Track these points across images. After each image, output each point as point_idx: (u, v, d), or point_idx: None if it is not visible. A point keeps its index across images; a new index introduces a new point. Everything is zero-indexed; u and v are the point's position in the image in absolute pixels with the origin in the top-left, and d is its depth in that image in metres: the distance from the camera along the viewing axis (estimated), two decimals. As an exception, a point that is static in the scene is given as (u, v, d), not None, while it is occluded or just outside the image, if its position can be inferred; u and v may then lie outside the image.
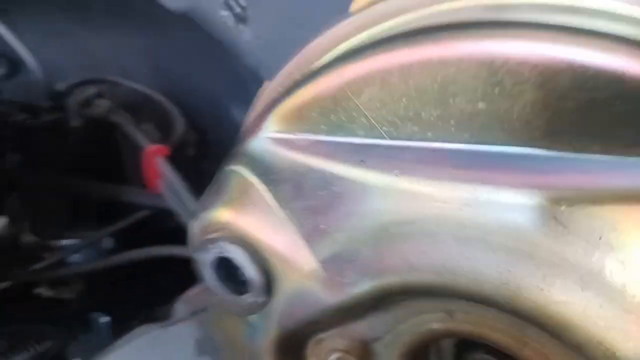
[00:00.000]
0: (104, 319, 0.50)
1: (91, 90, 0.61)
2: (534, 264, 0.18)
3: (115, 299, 0.53)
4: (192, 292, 0.50)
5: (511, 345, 0.22)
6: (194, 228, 0.27)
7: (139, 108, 0.61)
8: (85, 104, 0.61)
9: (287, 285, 0.25)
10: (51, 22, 0.63)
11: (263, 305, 0.26)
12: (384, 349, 0.25)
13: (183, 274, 0.49)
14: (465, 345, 0.27)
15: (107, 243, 0.55)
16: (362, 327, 0.25)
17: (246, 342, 0.28)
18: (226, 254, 0.26)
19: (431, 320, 0.23)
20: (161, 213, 0.56)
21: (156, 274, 0.54)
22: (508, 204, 0.19)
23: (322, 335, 0.27)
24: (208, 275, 0.27)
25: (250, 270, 0.25)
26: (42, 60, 0.64)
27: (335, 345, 0.27)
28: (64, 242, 0.55)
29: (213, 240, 0.26)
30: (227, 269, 0.27)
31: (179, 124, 0.57)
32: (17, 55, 0.63)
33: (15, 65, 0.63)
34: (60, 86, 0.62)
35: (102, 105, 0.60)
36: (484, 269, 0.19)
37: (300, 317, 0.25)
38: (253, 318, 0.27)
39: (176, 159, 0.54)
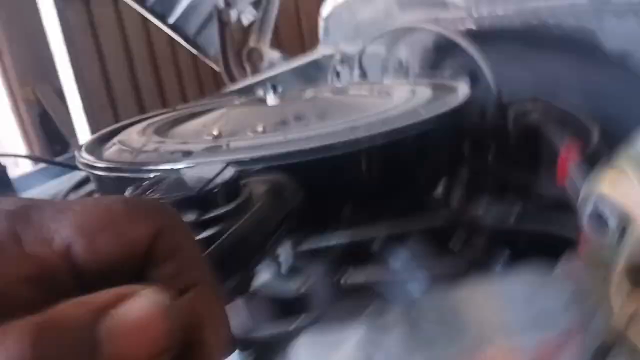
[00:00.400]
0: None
1: (526, 105, 0.81)
2: None
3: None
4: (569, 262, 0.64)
5: None
6: (583, 192, 0.43)
7: (563, 124, 0.77)
8: (522, 115, 0.81)
9: (635, 233, 0.39)
10: (512, 50, 0.86)
11: (615, 244, 0.40)
12: None
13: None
14: None
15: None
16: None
17: (604, 277, 0.43)
18: (600, 208, 0.41)
19: None
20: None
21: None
22: None
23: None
24: (586, 221, 0.43)
25: (613, 220, 0.40)
26: (496, 77, 0.87)
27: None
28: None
29: (596, 199, 0.42)
30: (596, 218, 0.42)
31: (596, 141, 0.71)
32: (479, 71, 0.88)
33: (475, 78, 0.88)
34: (507, 100, 0.84)
35: (534, 117, 0.79)
36: None
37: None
38: (606, 257, 0.41)
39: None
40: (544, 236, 0.67)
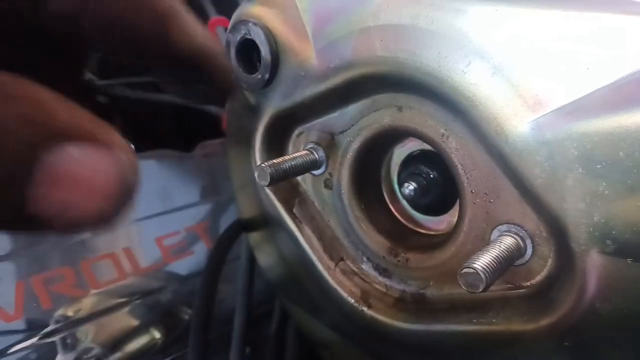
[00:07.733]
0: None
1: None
2: (463, 52, 0.24)
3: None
4: (210, 142, 0.57)
5: (437, 139, 0.28)
6: (234, 16, 0.34)
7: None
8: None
9: (287, 69, 0.31)
10: None
11: (266, 83, 0.32)
12: (346, 141, 0.32)
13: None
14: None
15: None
16: (332, 121, 0.32)
17: (247, 133, 0.35)
18: (250, 36, 0.32)
19: (385, 115, 0.29)
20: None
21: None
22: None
23: (301, 129, 0.33)
24: (233, 54, 0.33)
25: (265, 49, 0.32)
26: None
27: (310, 137, 0.33)
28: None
29: (244, 23, 0.33)
30: (246, 54, 0.33)
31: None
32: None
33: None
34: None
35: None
36: (426, 57, 0.25)
37: (291, 100, 0.32)
38: (255, 102, 0.34)
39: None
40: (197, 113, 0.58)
